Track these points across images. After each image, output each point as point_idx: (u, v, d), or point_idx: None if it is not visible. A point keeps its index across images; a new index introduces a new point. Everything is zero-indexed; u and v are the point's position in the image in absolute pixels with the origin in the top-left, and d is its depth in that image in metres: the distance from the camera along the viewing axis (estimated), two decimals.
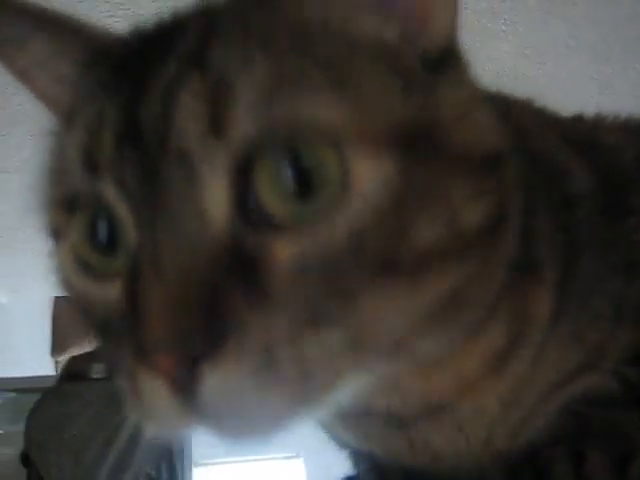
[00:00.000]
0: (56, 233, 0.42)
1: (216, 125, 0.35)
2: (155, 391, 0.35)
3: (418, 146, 0.37)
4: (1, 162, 2.10)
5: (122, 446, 0.42)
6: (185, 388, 0.34)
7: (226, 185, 0.35)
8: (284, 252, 0.35)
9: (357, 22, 0.39)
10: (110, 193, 0.37)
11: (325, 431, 0.54)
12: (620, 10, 1.84)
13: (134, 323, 0.35)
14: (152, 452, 0.41)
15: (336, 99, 0.36)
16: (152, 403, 0.36)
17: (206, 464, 3.19)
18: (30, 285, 2.76)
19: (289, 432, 0.37)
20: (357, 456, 0.56)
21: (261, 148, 0.35)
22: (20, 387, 1.48)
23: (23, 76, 0.47)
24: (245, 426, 0.36)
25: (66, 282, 0.42)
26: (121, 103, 0.38)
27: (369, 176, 0.35)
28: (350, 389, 0.38)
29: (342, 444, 0.56)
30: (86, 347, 1.62)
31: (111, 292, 0.38)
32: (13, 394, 1.38)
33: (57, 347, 3.05)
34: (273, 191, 0.35)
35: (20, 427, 1.19)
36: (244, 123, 0.35)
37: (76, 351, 1.89)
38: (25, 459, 1.01)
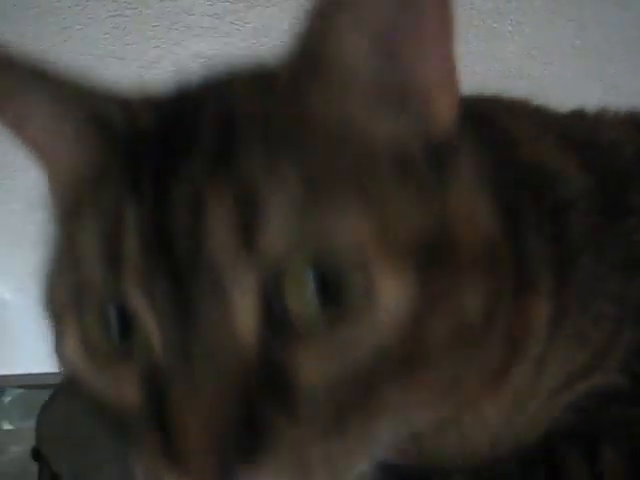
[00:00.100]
0: (60, 314, 0.41)
1: (246, 240, 0.35)
2: None
3: (434, 254, 0.37)
4: (7, 161, 2.10)
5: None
6: None
7: (255, 298, 0.36)
8: (311, 361, 0.36)
9: (375, 120, 0.40)
10: (134, 297, 0.37)
11: None
12: (627, 11, 1.84)
13: (163, 428, 0.35)
14: None
15: (362, 215, 0.36)
16: None
17: None
18: (34, 282, 2.76)
19: None
20: None
21: (289, 262, 0.35)
22: (29, 384, 1.48)
23: (15, 128, 0.46)
24: None
25: (71, 366, 0.42)
26: (144, 200, 0.37)
27: (393, 290, 0.36)
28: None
29: None
30: None
31: (126, 387, 0.38)
32: (22, 391, 1.39)
33: None
34: (300, 303, 0.36)
35: (30, 423, 1.19)
36: (274, 238, 0.35)
37: None
38: (36, 454, 1.02)
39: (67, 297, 0.40)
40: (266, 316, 0.36)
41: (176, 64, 1.90)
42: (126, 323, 0.38)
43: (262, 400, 0.35)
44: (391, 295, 0.36)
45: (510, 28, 1.87)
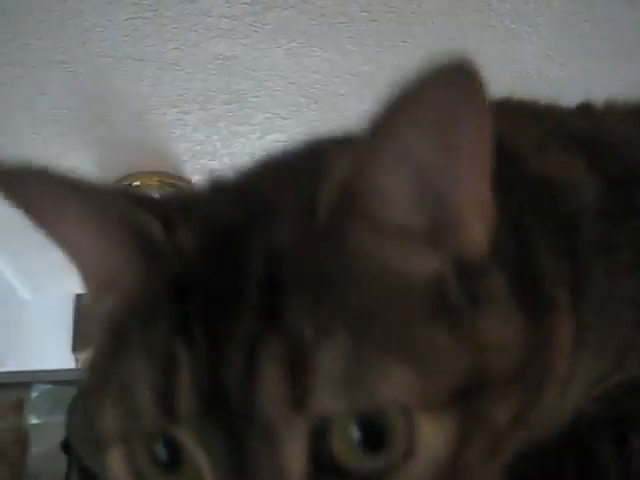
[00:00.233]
0: (105, 439, 0.42)
1: (297, 399, 0.37)
2: None
3: (469, 389, 0.39)
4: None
5: None
6: None
7: (304, 447, 0.38)
8: None
9: (411, 259, 0.41)
10: (189, 442, 0.39)
11: None
12: None
13: None
14: None
15: (404, 368, 0.38)
16: None
17: None
18: (53, 282, 2.79)
19: None
20: None
21: (336, 415, 0.37)
22: (56, 379, 1.51)
23: (62, 246, 0.47)
24: None
25: None
26: (196, 348, 0.39)
27: (433, 437, 0.38)
28: None
29: None
30: None
31: None
32: (49, 386, 1.41)
33: (79, 344, 3.08)
34: (345, 448, 0.38)
35: (56, 418, 1.21)
36: (324, 398, 0.37)
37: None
38: (66, 447, 1.03)
39: (115, 425, 0.41)
40: (314, 461, 0.38)
41: (194, 65, 1.92)
42: (174, 455, 0.40)
43: None
44: (432, 440, 0.38)
45: (528, 29, 1.87)
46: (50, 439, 1.08)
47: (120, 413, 0.41)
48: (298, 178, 0.45)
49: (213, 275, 0.41)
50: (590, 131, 0.56)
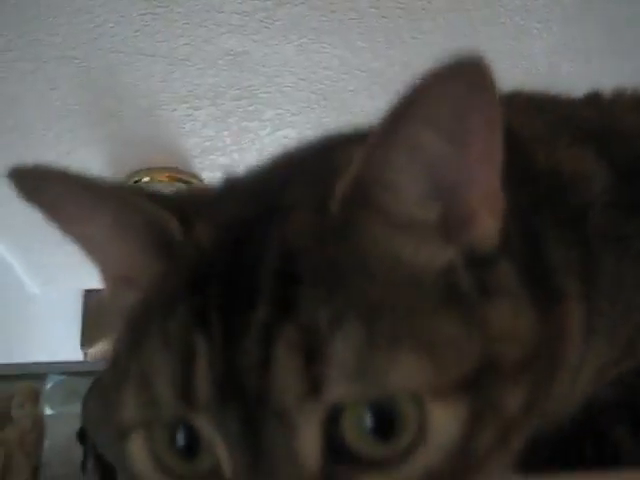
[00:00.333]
0: (127, 428, 0.44)
1: (311, 387, 0.38)
2: None
3: (479, 376, 0.40)
4: (38, 156, 2.13)
5: None
6: None
7: (318, 433, 0.39)
8: None
9: (421, 251, 0.42)
10: (206, 429, 0.40)
11: None
12: None
13: None
14: None
15: (415, 356, 0.39)
16: None
17: None
18: (62, 277, 2.80)
19: None
20: None
21: (349, 403, 0.39)
22: (70, 370, 1.53)
23: (82, 245, 0.48)
24: None
25: (140, 477, 0.44)
26: (213, 337, 0.40)
27: (444, 423, 0.39)
28: None
29: None
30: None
31: None
32: (63, 377, 1.43)
33: (87, 339, 3.10)
34: (357, 435, 0.39)
35: (70, 408, 1.22)
36: (338, 385, 0.38)
37: (105, 344, 1.93)
38: (82, 436, 1.05)
39: (136, 414, 0.43)
40: (328, 447, 0.39)
41: (205, 61, 1.92)
42: (193, 442, 0.41)
43: None
44: (443, 427, 0.39)
45: (538, 25, 1.86)
46: (64, 430, 1.09)
47: (141, 402, 0.42)
48: (311, 174, 0.46)
49: (230, 268, 0.42)
50: (599, 121, 0.57)
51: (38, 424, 1.01)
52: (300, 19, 1.81)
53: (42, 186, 0.44)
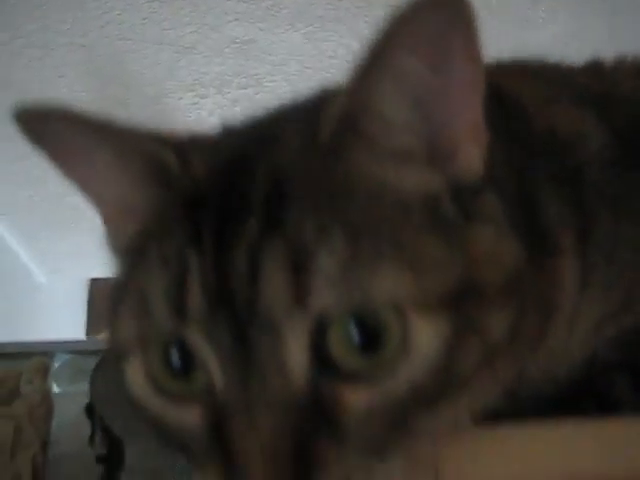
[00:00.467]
0: (125, 348, 0.45)
1: (298, 296, 0.39)
2: None
3: (462, 295, 0.41)
4: None
5: None
6: None
7: (305, 343, 0.40)
8: (354, 399, 0.40)
9: (407, 174, 0.43)
10: (198, 342, 0.41)
11: None
12: None
13: (226, 461, 0.40)
14: None
15: (398, 270, 0.40)
16: None
17: None
18: (68, 266, 2.81)
19: None
20: None
21: (334, 313, 0.40)
22: (77, 349, 1.55)
23: (82, 185, 0.50)
24: None
25: (137, 399, 0.45)
26: (205, 255, 0.42)
27: (427, 336, 0.40)
28: None
29: None
30: None
31: (188, 417, 0.43)
32: (71, 355, 1.45)
33: (93, 327, 3.11)
34: (343, 348, 0.40)
35: (77, 387, 1.23)
36: (323, 295, 0.39)
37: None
38: (90, 411, 1.06)
39: (133, 333, 0.44)
40: (315, 358, 0.40)
41: (212, 49, 1.93)
42: (187, 360, 0.43)
43: (312, 432, 0.39)
44: (425, 341, 0.40)
45: (544, 15, 1.87)
46: (71, 408, 1.11)
47: (137, 320, 0.44)
48: (303, 113, 0.48)
49: (223, 194, 0.43)
50: (599, 88, 0.58)
51: (47, 399, 1.02)
52: (306, 7, 1.82)
53: (45, 126, 0.46)
